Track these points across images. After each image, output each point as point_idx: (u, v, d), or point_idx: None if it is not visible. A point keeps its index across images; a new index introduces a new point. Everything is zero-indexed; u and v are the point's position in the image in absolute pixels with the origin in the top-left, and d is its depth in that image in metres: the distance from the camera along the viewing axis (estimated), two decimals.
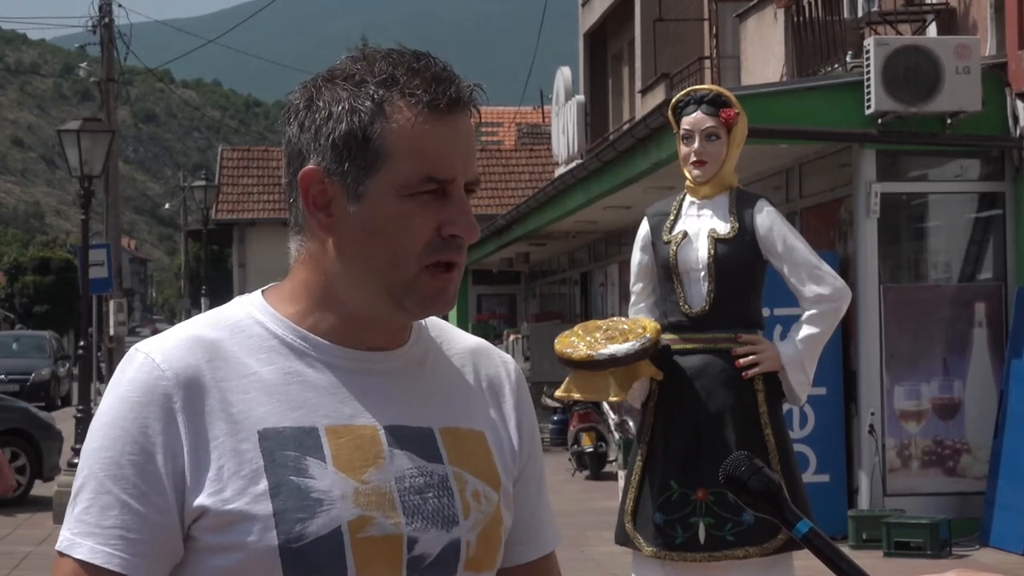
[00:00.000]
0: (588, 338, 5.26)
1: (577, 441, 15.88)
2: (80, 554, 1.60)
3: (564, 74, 24.41)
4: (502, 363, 1.83)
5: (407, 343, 1.73)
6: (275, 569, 1.59)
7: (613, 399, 5.31)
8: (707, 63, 19.67)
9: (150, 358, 1.64)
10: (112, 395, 1.65)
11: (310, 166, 1.65)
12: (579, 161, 19.15)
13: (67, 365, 33.22)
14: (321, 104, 1.65)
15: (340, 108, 1.63)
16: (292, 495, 1.59)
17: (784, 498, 1.65)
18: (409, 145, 1.61)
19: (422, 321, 1.75)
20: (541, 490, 1.85)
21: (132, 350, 1.68)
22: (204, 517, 1.60)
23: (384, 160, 1.62)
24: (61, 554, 1.62)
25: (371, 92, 1.62)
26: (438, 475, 1.67)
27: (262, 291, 1.74)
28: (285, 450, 1.61)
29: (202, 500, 1.60)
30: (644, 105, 21.14)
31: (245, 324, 1.69)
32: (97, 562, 1.59)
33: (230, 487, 1.59)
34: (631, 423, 5.58)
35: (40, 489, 13.96)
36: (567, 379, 5.35)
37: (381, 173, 1.62)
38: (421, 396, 1.71)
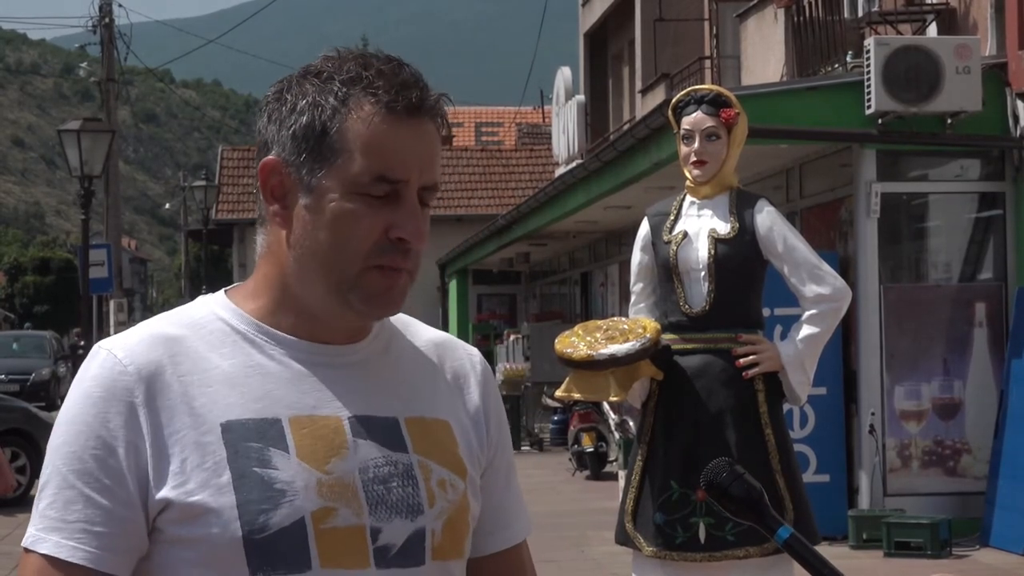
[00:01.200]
0: (588, 338, 5.27)
1: (577, 441, 15.88)
2: (45, 549, 1.60)
3: (564, 74, 24.41)
4: (467, 355, 1.84)
5: (368, 337, 1.74)
6: (239, 560, 1.59)
7: (613, 399, 5.31)
8: (707, 63, 19.68)
9: (112, 354, 1.65)
10: (75, 391, 1.66)
11: (270, 156, 1.67)
12: (579, 161, 19.14)
13: (67, 365, 33.23)
14: (289, 97, 1.67)
15: (304, 102, 1.65)
16: (255, 486, 1.60)
17: (765, 504, 1.65)
18: (364, 142, 1.63)
19: None
20: (510, 480, 1.86)
21: (95, 347, 1.69)
22: (168, 510, 1.61)
23: (339, 155, 1.63)
24: (27, 550, 1.63)
25: (335, 88, 1.64)
26: (403, 464, 1.68)
27: (225, 290, 1.76)
28: (248, 442, 1.62)
29: (165, 493, 1.60)
30: (644, 105, 21.14)
31: (207, 320, 1.70)
32: (62, 556, 1.60)
33: (193, 479, 1.60)
34: (631, 423, 5.59)
35: None
36: (567, 379, 5.35)
37: (335, 168, 1.63)
38: (385, 387, 1.72)
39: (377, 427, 1.68)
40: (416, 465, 1.68)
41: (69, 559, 1.60)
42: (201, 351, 1.67)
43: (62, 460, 1.63)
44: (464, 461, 1.75)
